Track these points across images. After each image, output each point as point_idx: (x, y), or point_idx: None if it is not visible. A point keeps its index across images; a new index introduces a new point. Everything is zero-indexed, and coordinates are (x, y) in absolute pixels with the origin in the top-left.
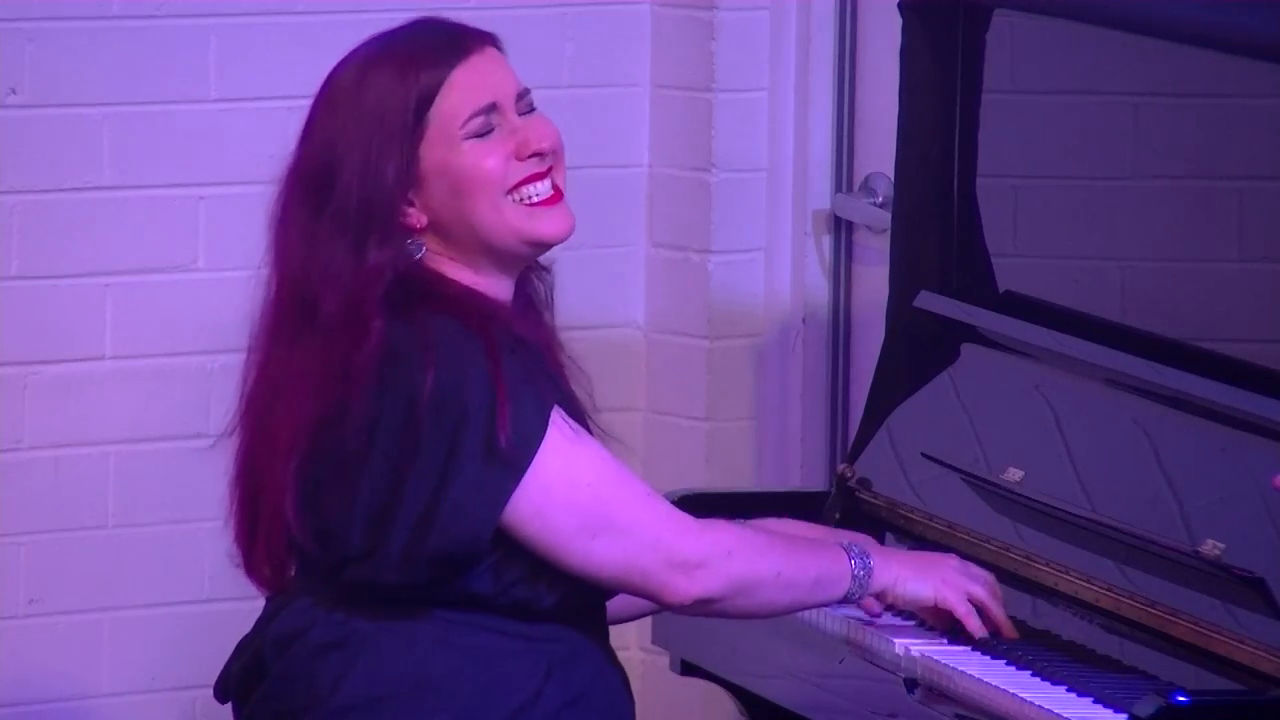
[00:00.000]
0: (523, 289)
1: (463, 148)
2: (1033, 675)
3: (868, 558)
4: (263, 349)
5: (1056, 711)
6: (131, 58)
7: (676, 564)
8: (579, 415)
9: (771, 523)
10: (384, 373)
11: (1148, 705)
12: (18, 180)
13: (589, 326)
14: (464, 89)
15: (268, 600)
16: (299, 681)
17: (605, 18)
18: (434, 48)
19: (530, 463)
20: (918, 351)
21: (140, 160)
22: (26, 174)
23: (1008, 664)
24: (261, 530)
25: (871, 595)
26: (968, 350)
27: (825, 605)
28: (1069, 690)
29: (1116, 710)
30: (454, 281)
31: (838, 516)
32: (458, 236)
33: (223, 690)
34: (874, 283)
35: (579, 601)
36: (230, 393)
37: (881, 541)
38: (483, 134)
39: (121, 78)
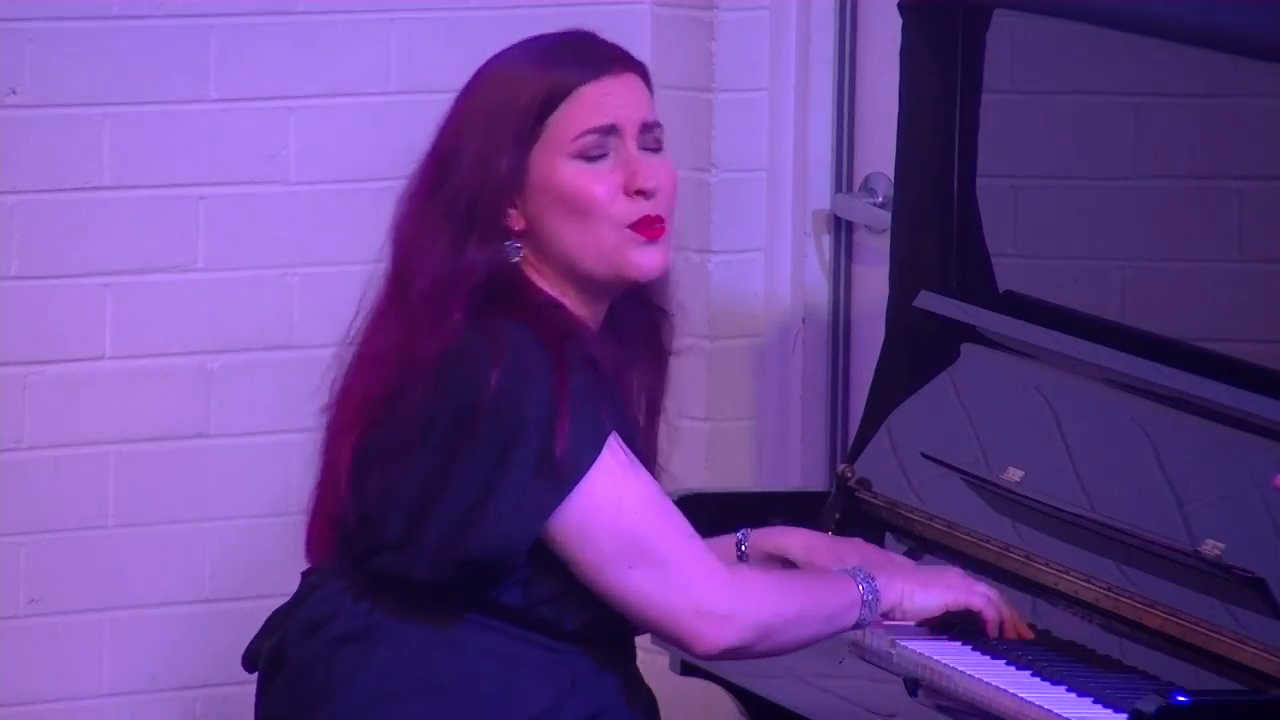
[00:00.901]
0: (636, 323)
1: (570, 165)
2: (1033, 675)
3: (874, 580)
4: (363, 323)
5: (1056, 711)
6: (131, 58)
7: (704, 613)
8: (641, 451)
9: (774, 533)
10: (449, 367)
11: (1148, 705)
12: (18, 180)
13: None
14: (588, 104)
15: (303, 576)
16: (318, 670)
17: (605, 18)
18: (575, 58)
19: (579, 481)
20: (918, 351)
21: (140, 160)
22: (26, 174)
23: (1008, 664)
24: (320, 499)
25: (881, 615)
26: (968, 350)
27: (840, 634)
28: (1069, 690)
29: (1116, 710)
30: (541, 290)
31: (838, 516)
32: (548, 249)
33: (250, 662)
34: (874, 283)
35: (604, 629)
36: (230, 393)
37: (881, 542)
38: (594, 157)
39: (121, 78)
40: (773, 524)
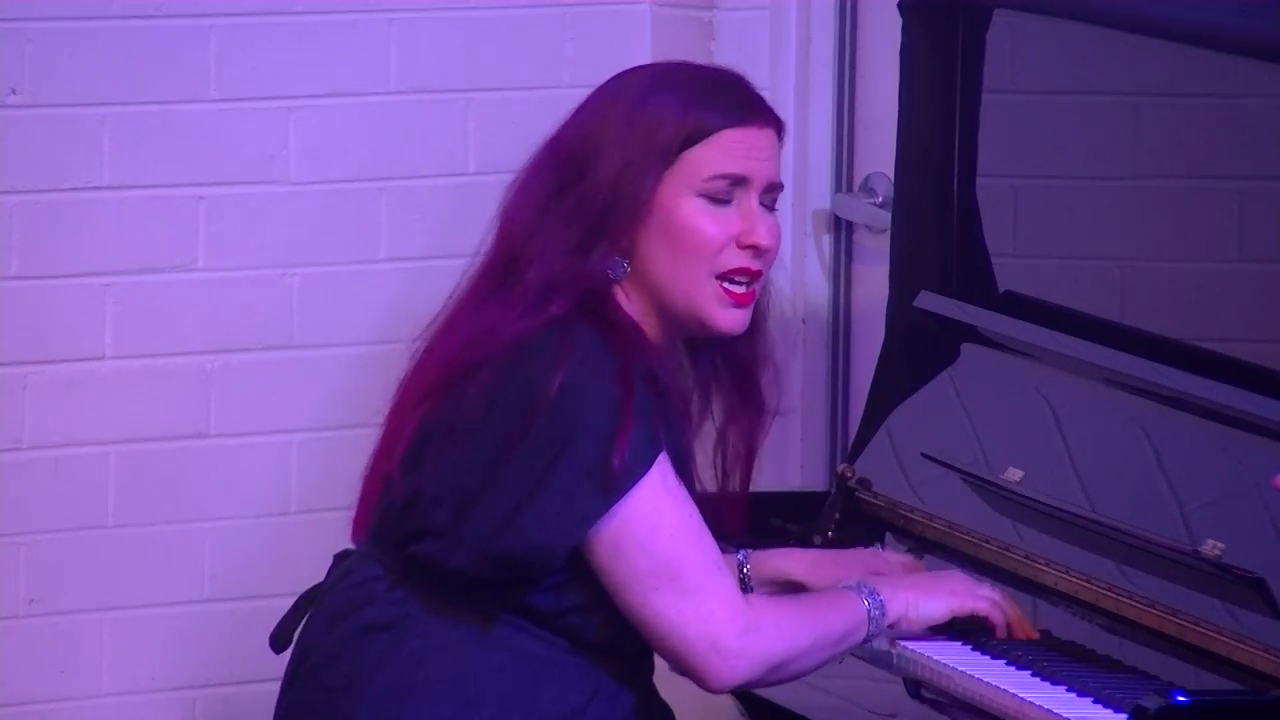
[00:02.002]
0: (721, 368)
1: (694, 202)
2: (1033, 675)
3: (878, 594)
4: (456, 300)
5: (1056, 711)
6: (131, 58)
7: (719, 648)
8: (686, 477)
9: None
10: (518, 358)
11: (1148, 705)
12: (18, 180)
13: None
14: (726, 148)
15: (336, 559)
16: (345, 658)
17: (605, 18)
18: (725, 99)
19: (626, 493)
20: (918, 351)
21: (140, 160)
22: (26, 174)
23: (1008, 664)
24: (374, 467)
25: (887, 628)
26: (968, 350)
27: (849, 651)
28: (1069, 690)
29: (1116, 710)
30: (624, 310)
31: (837, 516)
32: (647, 275)
33: (279, 642)
34: (874, 283)
35: (629, 642)
36: (230, 393)
37: (881, 542)
38: (717, 199)
39: (121, 78)
40: (773, 545)
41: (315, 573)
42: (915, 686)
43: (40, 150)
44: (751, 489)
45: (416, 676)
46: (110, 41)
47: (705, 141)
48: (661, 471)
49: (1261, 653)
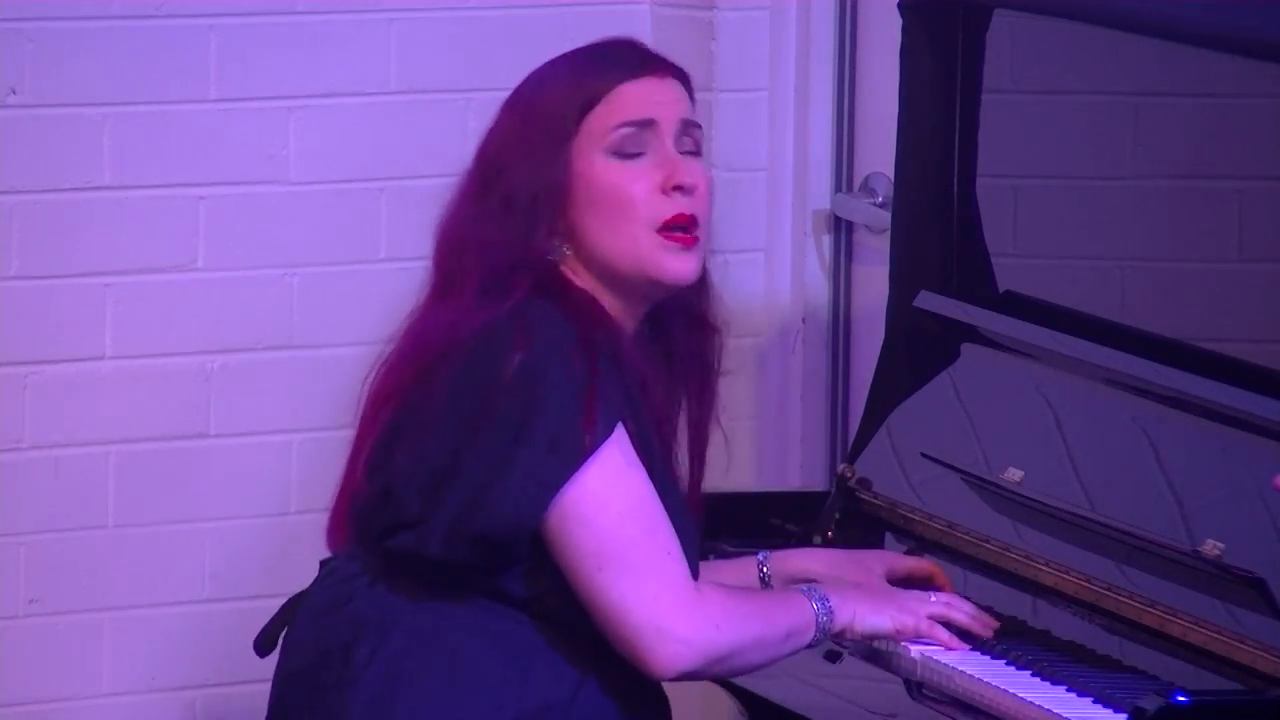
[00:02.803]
0: (682, 338)
1: (607, 163)
2: (1033, 675)
3: (828, 600)
4: (410, 319)
5: (1056, 711)
6: (131, 58)
7: (663, 632)
8: (661, 459)
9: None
10: (480, 343)
11: (1148, 705)
12: (18, 180)
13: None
14: (626, 100)
15: (322, 565)
16: (333, 653)
17: (605, 18)
18: (614, 61)
19: (585, 462)
20: (918, 351)
21: (140, 160)
22: (26, 174)
23: (1008, 664)
24: (346, 477)
25: (833, 635)
26: (968, 350)
27: (795, 653)
28: (1069, 690)
29: (1116, 710)
30: (577, 286)
31: (837, 516)
32: (588, 250)
33: (264, 645)
34: (874, 283)
35: None
36: (230, 393)
37: (881, 542)
38: (630, 154)
39: (121, 78)
40: (791, 545)
41: (315, 573)
42: (915, 687)
43: (40, 150)
44: (751, 489)
45: (406, 669)
46: (110, 41)
47: (603, 101)
48: (619, 446)
49: (1261, 653)
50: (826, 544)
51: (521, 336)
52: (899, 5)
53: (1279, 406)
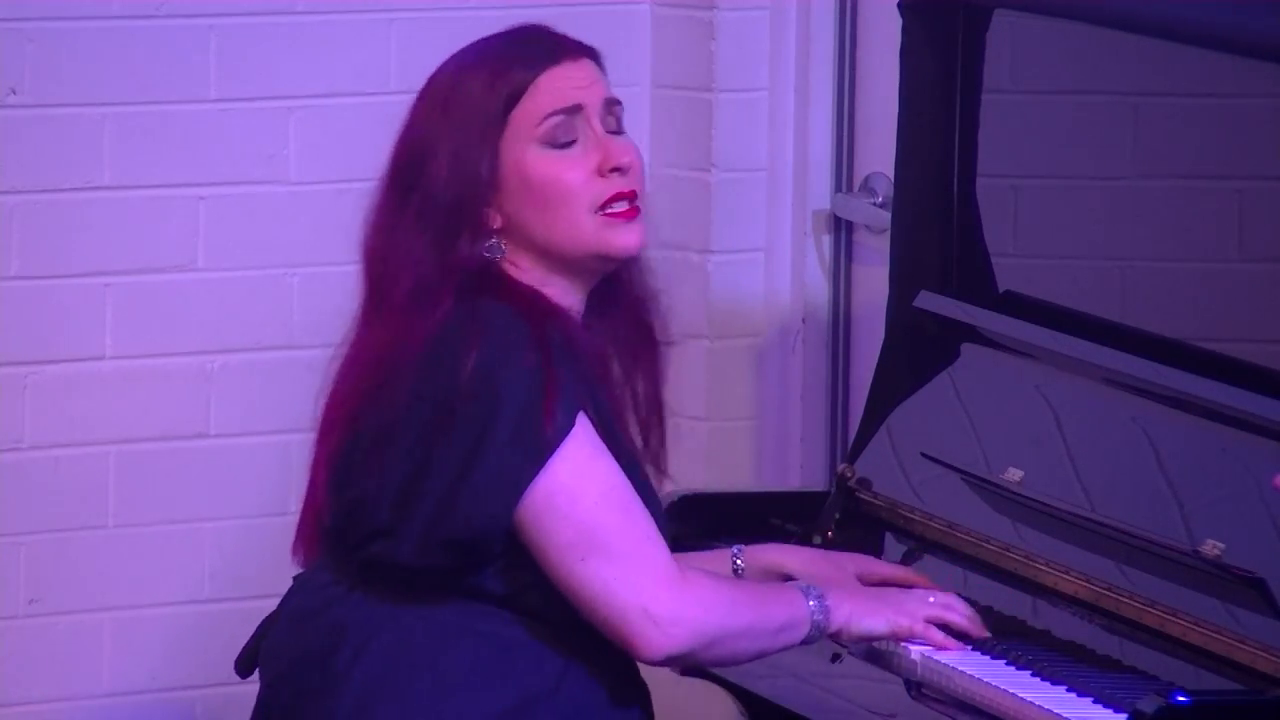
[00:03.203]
0: (622, 317)
1: (540, 154)
2: (1033, 675)
3: (824, 599)
4: (350, 336)
5: (1056, 711)
6: (131, 58)
7: (651, 615)
8: (626, 441)
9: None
10: (431, 352)
11: (1148, 705)
12: (18, 180)
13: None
14: (550, 90)
15: (295, 580)
16: (315, 662)
17: (605, 18)
18: (529, 51)
19: (550, 456)
20: (918, 351)
21: (140, 160)
22: (26, 174)
23: (1008, 664)
24: (307, 501)
25: (829, 635)
26: (968, 350)
27: (787, 649)
28: (1069, 690)
29: (1116, 710)
30: (520, 282)
31: (838, 516)
32: (530, 241)
33: (244, 666)
34: (874, 283)
35: None
36: (230, 393)
37: (881, 542)
38: (563, 143)
39: (121, 78)
40: (768, 541)
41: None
42: (915, 687)
43: (40, 150)
44: (751, 489)
45: (388, 672)
46: (110, 41)
47: (526, 95)
48: (584, 435)
49: (1261, 653)
50: (826, 544)
51: (474, 338)
52: (899, 5)
53: (1279, 406)
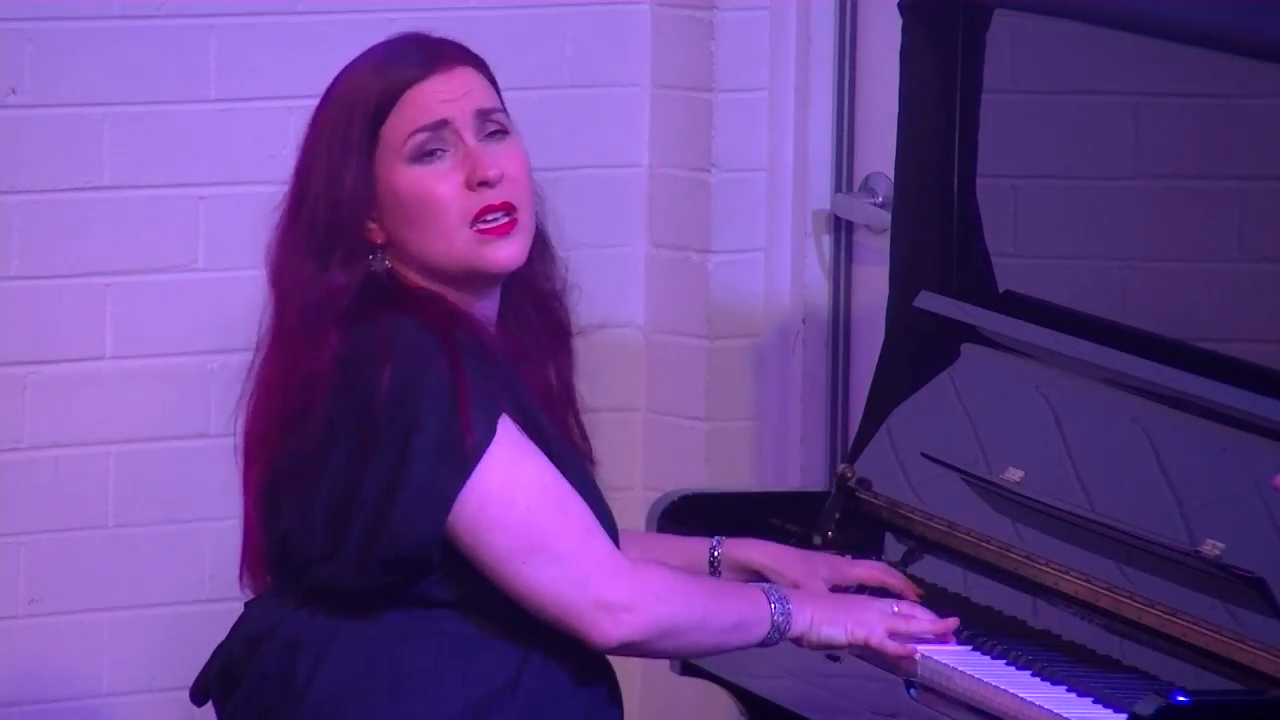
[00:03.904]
0: (529, 311)
1: (407, 171)
2: (1033, 675)
3: (787, 603)
4: (259, 351)
5: (1056, 711)
6: (131, 58)
7: (603, 604)
8: (552, 438)
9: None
10: (343, 374)
11: (1148, 705)
12: (18, 180)
13: (589, 326)
14: (416, 105)
15: (246, 607)
16: (273, 679)
17: (605, 18)
18: (402, 63)
19: (474, 467)
20: (918, 351)
21: (140, 160)
22: (26, 174)
23: (1008, 664)
24: (245, 533)
25: (790, 640)
26: (968, 350)
27: (744, 648)
28: (1069, 690)
29: (1116, 710)
30: (419, 287)
31: (838, 516)
32: (408, 257)
33: (200, 693)
34: (874, 283)
35: None
36: (230, 393)
37: (881, 542)
38: (428, 155)
39: (121, 78)
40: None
41: None
42: (915, 686)
43: (40, 150)
44: (751, 489)
45: (347, 681)
46: (110, 41)
47: (393, 112)
48: (504, 442)
49: (1261, 653)
50: (826, 544)
51: (384, 355)
52: (899, 5)
53: (1279, 406)
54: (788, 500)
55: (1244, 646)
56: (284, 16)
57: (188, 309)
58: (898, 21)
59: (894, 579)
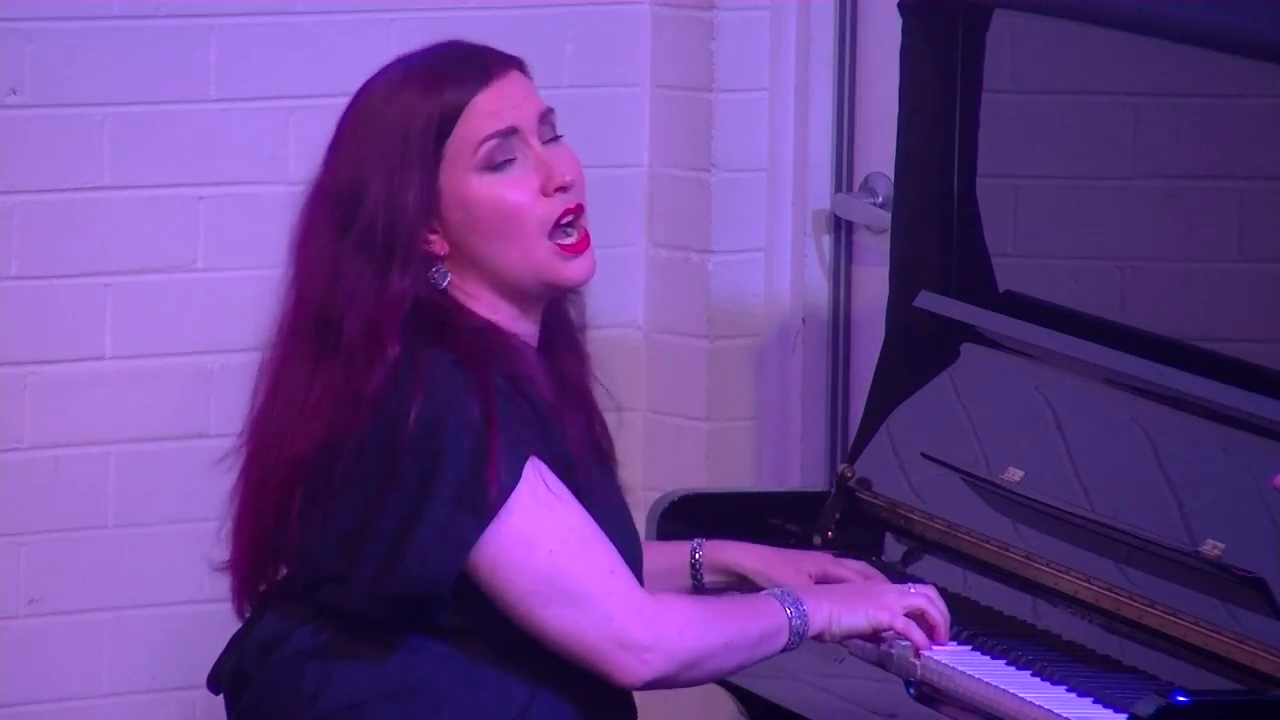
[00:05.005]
0: (553, 321)
1: (478, 180)
2: (1033, 675)
3: (801, 604)
4: (278, 364)
5: (1056, 711)
6: (131, 58)
7: (627, 645)
8: (589, 470)
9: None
10: (379, 403)
11: (1148, 705)
12: (18, 180)
13: (589, 326)
14: (482, 115)
15: (260, 596)
16: (281, 688)
17: (605, 18)
18: (458, 77)
19: (498, 513)
20: (918, 351)
21: (140, 160)
22: (26, 174)
23: (1008, 664)
24: (251, 539)
25: (811, 639)
26: (968, 350)
27: (768, 659)
28: (1069, 690)
29: (1116, 710)
30: (471, 313)
31: (838, 516)
32: (476, 267)
33: (216, 683)
34: (874, 283)
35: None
36: (230, 393)
37: (881, 542)
38: (501, 165)
39: (121, 78)
40: (766, 541)
41: None
42: (915, 686)
43: (40, 150)
44: (751, 489)
45: (355, 697)
46: (110, 41)
47: (461, 120)
48: (531, 486)
49: (1261, 653)
50: (826, 544)
51: (416, 389)
52: (899, 5)
53: (1279, 406)
54: (788, 500)
55: (1244, 646)
56: (284, 16)
57: (188, 309)
58: (898, 21)
59: (879, 577)
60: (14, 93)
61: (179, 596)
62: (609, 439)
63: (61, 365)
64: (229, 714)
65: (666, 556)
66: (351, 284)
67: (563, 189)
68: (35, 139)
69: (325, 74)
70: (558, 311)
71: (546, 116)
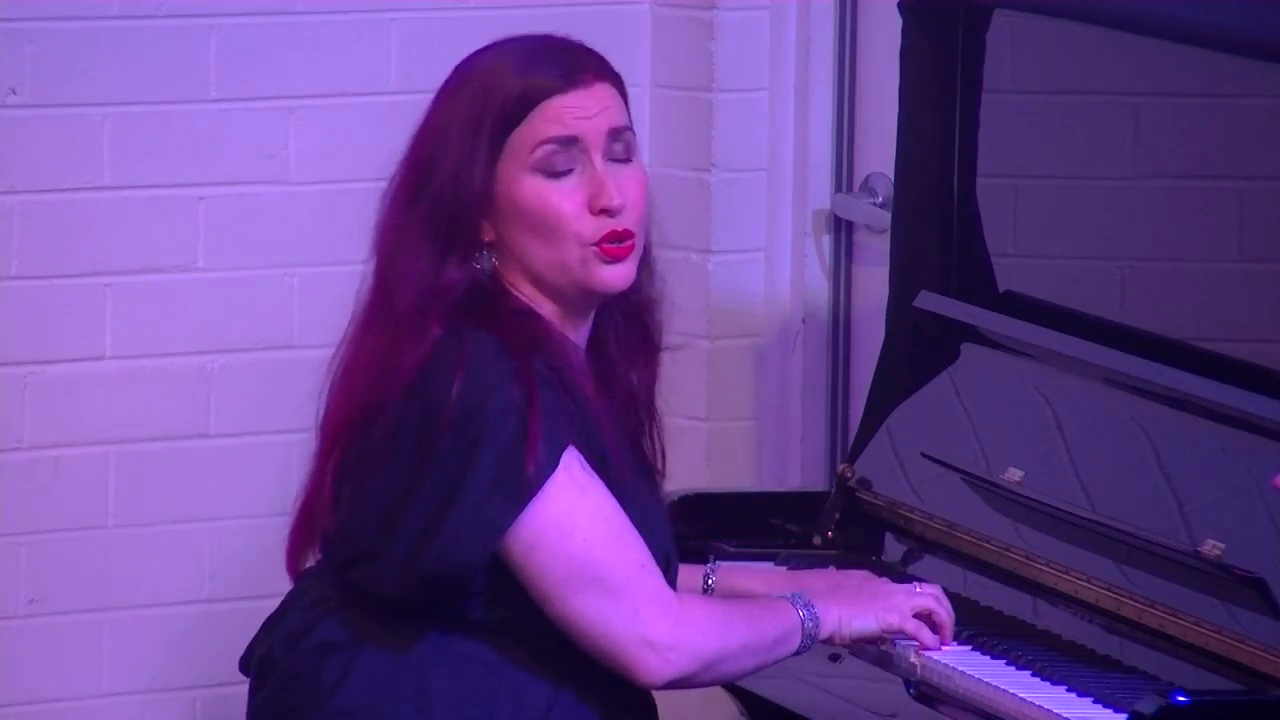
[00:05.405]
0: (622, 325)
1: (530, 180)
2: (1033, 675)
3: (813, 606)
4: (351, 330)
5: (1056, 711)
6: (131, 58)
7: (649, 643)
8: (625, 462)
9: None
10: (419, 379)
11: (1148, 705)
12: (18, 180)
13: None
14: (549, 118)
15: (297, 580)
16: (304, 679)
17: (605, 18)
18: (545, 70)
19: (534, 497)
20: (918, 351)
21: (140, 160)
22: (26, 174)
23: (1008, 664)
24: (304, 513)
25: (822, 641)
26: (968, 350)
27: (782, 660)
28: (1069, 690)
29: (1116, 710)
30: (517, 298)
31: (838, 516)
32: (519, 261)
33: (246, 665)
34: (874, 283)
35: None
36: (230, 393)
37: (881, 542)
38: (558, 172)
39: (121, 78)
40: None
41: None
42: (915, 686)
43: (40, 150)
44: (751, 489)
45: (375, 694)
46: (110, 41)
47: (528, 118)
48: (569, 472)
49: (1261, 653)
50: (826, 544)
51: (458, 369)
52: (899, 5)
53: (1279, 406)
54: (788, 500)
55: (1244, 646)
56: (284, 16)
57: (188, 309)
58: (898, 21)
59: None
60: (14, 93)
61: (179, 596)
62: (659, 453)
63: (61, 365)
64: (251, 700)
65: (681, 575)
66: (409, 258)
67: (608, 211)
68: (35, 139)
69: (325, 74)
70: (636, 320)
71: (620, 135)
